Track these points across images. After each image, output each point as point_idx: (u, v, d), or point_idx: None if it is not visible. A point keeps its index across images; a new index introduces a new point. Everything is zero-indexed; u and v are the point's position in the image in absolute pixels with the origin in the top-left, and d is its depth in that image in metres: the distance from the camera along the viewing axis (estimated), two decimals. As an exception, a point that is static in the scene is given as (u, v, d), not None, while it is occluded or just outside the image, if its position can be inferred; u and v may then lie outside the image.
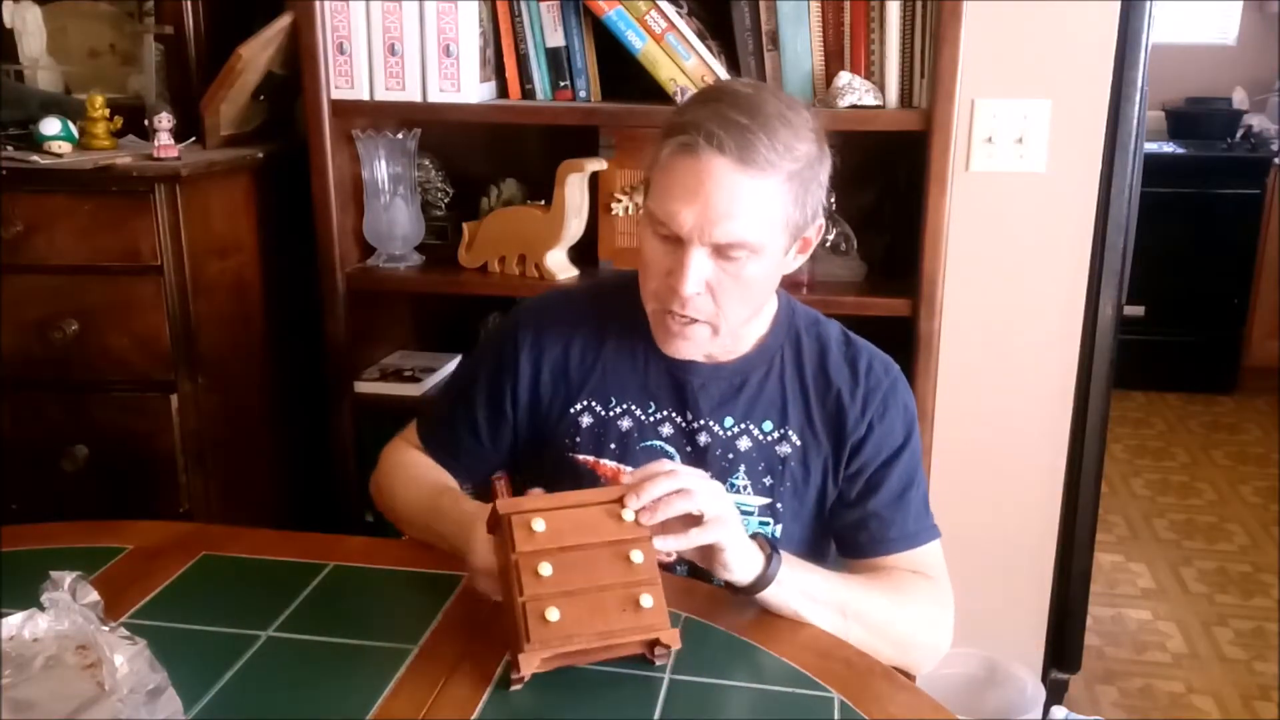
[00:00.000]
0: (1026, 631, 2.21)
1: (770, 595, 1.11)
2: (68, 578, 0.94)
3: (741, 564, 1.09)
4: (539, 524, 0.99)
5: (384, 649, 1.05)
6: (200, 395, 1.79)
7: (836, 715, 0.97)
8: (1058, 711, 2.18)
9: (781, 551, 1.12)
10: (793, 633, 1.10)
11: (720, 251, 1.14)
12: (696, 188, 1.11)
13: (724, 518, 1.06)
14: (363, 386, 1.98)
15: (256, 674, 1.01)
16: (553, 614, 0.96)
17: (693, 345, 1.23)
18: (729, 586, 1.13)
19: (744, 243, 1.13)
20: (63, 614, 0.95)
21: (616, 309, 1.31)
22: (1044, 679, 2.22)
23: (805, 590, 1.12)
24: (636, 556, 1.00)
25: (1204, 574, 3.01)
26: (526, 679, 0.97)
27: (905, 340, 1.75)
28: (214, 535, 1.34)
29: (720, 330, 1.21)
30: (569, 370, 1.30)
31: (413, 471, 1.36)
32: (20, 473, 1.78)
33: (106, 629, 0.90)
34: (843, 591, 1.16)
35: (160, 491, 1.79)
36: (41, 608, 0.96)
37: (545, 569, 0.98)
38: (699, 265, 1.14)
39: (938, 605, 1.25)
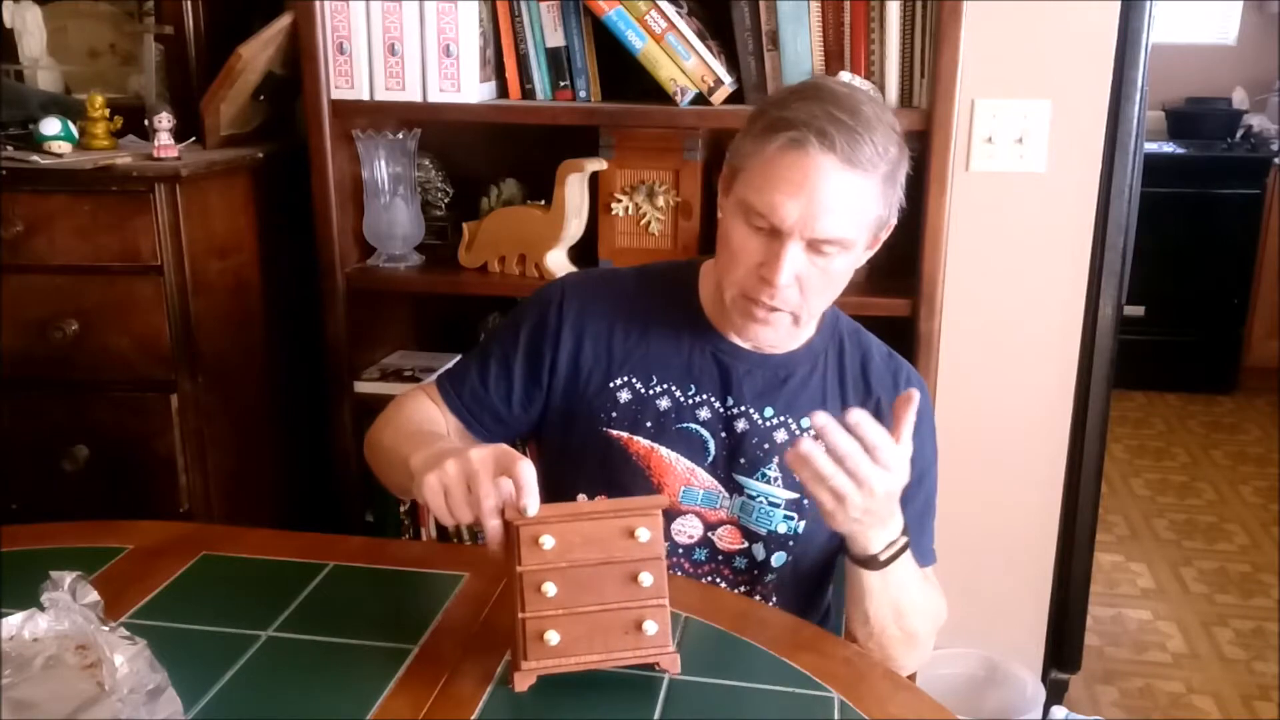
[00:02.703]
0: (1026, 631, 2.21)
1: (864, 575, 1.15)
2: (68, 578, 0.93)
3: (867, 543, 1.12)
4: (548, 540, 0.97)
5: (384, 649, 1.04)
6: (200, 395, 1.79)
7: (836, 715, 0.97)
8: (1058, 711, 2.18)
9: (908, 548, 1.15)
10: (793, 633, 1.10)
11: (814, 246, 1.15)
12: (803, 183, 1.12)
13: (874, 510, 1.08)
14: (363, 386, 1.98)
15: (256, 674, 1.01)
16: (552, 637, 0.96)
17: (774, 333, 1.24)
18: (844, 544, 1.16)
19: (840, 239, 1.15)
20: (63, 614, 0.95)
21: (663, 294, 1.32)
22: (1044, 679, 2.22)
23: (891, 590, 1.16)
24: (645, 579, 0.99)
25: (1204, 574, 3.00)
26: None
27: (905, 340, 1.74)
28: (214, 535, 1.34)
29: (801, 320, 1.23)
30: (612, 344, 1.30)
31: (417, 414, 1.31)
32: (20, 473, 1.78)
33: (106, 629, 0.90)
34: (906, 599, 1.19)
35: (160, 491, 1.79)
36: (41, 608, 0.96)
37: (549, 588, 0.96)
38: (794, 258, 1.15)
39: (935, 623, 1.29)
